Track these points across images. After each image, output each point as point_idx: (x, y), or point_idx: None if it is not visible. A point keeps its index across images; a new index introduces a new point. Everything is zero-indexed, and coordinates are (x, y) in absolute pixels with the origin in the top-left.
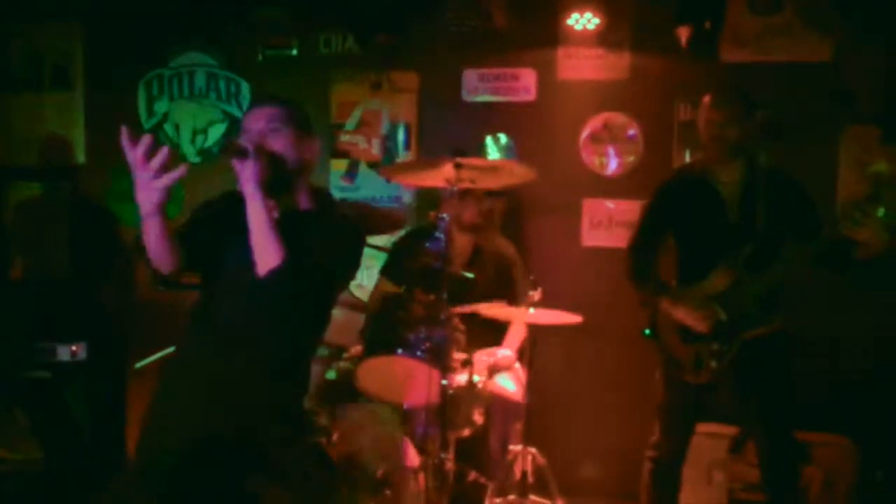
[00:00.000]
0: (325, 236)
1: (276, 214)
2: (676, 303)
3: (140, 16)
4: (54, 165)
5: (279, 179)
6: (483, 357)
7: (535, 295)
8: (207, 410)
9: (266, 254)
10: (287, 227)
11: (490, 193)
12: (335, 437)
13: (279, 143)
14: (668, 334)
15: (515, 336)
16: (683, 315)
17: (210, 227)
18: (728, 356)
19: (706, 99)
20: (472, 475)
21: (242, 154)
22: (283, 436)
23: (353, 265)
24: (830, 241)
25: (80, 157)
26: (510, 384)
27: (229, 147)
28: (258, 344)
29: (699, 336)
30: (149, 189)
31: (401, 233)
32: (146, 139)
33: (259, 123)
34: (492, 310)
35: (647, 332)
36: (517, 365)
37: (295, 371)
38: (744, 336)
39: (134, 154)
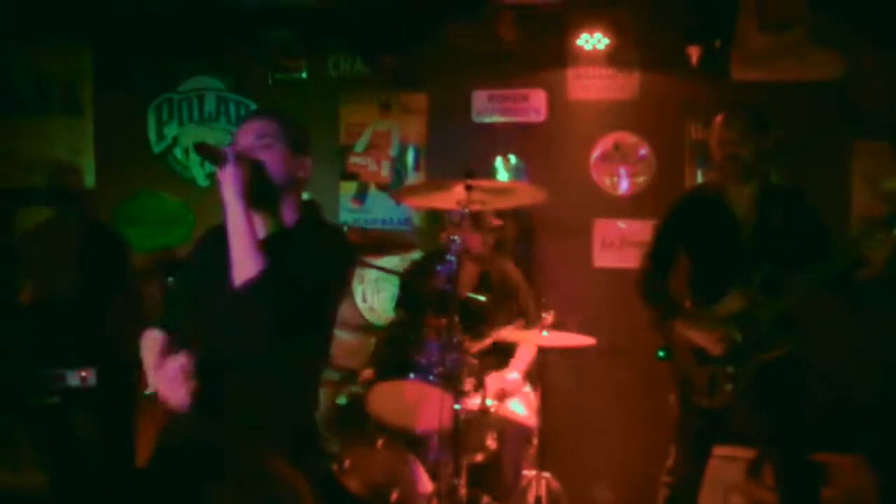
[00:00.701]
0: (309, 250)
1: (263, 227)
2: (691, 324)
3: (149, 39)
4: (62, 190)
5: (263, 191)
6: (491, 382)
7: (548, 318)
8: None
9: (243, 264)
10: (271, 241)
11: (500, 214)
12: (347, 463)
13: (267, 156)
14: (683, 356)
15: (522, 358)
16: (698, 337)
17: (189, 291)
18: (743, 379)
19: (719, 118)
20: (486, 500)
21: (219, 159)
22: (283, 457)
23: (340, 280)
24: (843, 265)
25: (90, 182)
26: (520, 408)
27: (203, 149)
28: (247, 363)
29: (714, 359)
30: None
31: (413, 256)
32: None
33: (249, 136)
34: (507, 335)
35: (661, 353)
36: (528, 388)
37: (296, 394)
38: (759, 359)
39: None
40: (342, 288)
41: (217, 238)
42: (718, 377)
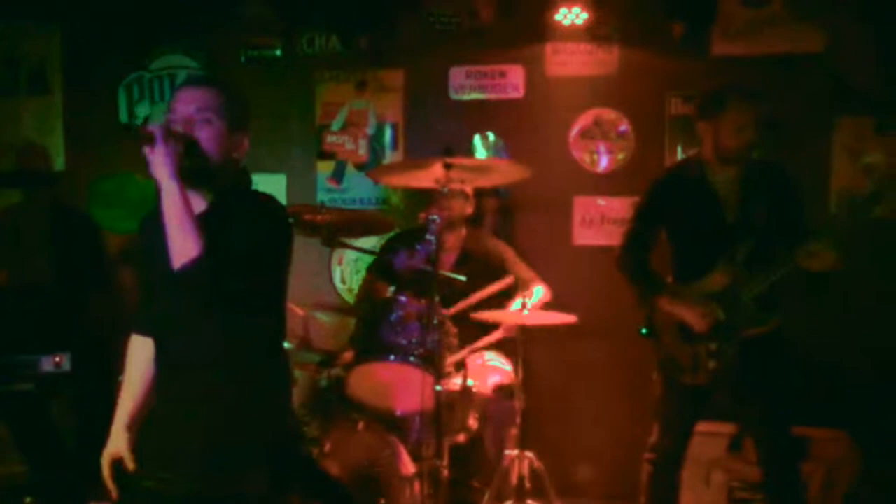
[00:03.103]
0: (242, 222)
1: (202, 204)
2: (675, 301)
3: (119, 17)
4: (32, 172)
5: (198, 169)
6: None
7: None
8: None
9: (179, 246)
10: (205, 218)
11: (480, 193)
12: (327, 447)
13: (204, 133)
14: (666, 333)
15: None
16: (682, 313)
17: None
18: (727, 356)
19: (731, 106)
20: (468, 481)
21: (146, 139)
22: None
23: (279, 250)
24: (780, 274)
25: (60, 164)
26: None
27: (139, 135)
28: (197, 347)
29: (697, 336)
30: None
31: (390, 234)
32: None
33: (188, 108)
34: (489, 315)
35: (645, 330)
36: (509, 369)
37: (252, 374)
38: (742, 336)
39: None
40: (281, 259)
41: (154, 221)
42: (702, 354)
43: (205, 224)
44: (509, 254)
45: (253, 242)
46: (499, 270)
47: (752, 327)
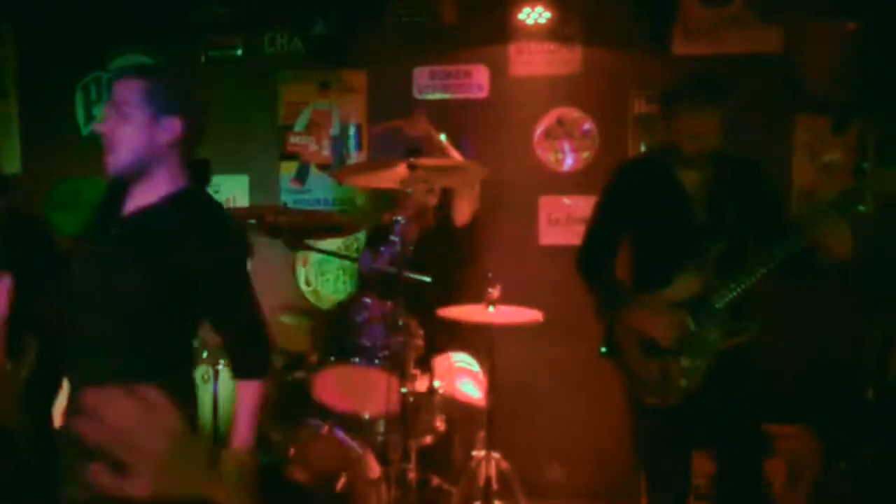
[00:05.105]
0: (180, 234)
1: (152, 197)
2: (636, 312)
3: (74, 17)
4: None
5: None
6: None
7: (494, 292)
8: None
9: None
10: (135, 220)
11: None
12: (291, 451)
13: (125, 130)
14: (629, 350)
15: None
16: (645, 326)
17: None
18: (699, 373)
19: (685, 108)
20: (436, 482)
21: None
22: None
23: (219, 272)
24: (788, 253)
25: (15, 167)
26: (472, 389)
27: None
28: (105, 360)
29: (665, 350)
30: None
31: (356, 236)
32: None
33: (109, 109)
34: (452, 312)
35: (604, 349)
36: (478, 369)
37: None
38: (717, 348)
39: None
40: (224, 280)
41: (88, 235)
42: (672, 371)
43: (142, 223)
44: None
45: (188, 261)
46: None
47: (728, 338)
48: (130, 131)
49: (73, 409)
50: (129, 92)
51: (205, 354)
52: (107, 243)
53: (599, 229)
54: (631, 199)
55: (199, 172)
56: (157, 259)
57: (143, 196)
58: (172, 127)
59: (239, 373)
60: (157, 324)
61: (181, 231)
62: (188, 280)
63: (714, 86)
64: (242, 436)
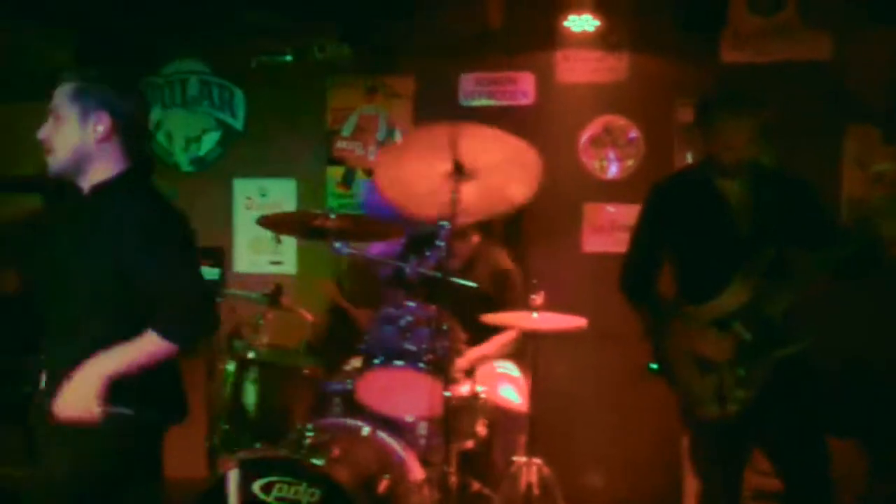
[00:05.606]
0: (112, 219)
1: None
2: (687, 328)
3: (131, 22)
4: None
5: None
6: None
7: (538, 298)
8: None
9: None
10: (77, 213)
11: None
12: (335, 452)
13: (57, 133)
14: (681, 365)
15: (495, 342)
16: (697, 342)
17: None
18: (757, 382)
19: (723, 119)
20: (477, 487)
21: None
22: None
23: (143, 261)
24: (859, 245)
25: None
26: (513, 395)
27: None
28: (70, 350)
29: (719, 364)
30: None
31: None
32: None
33: (51, 104)
34: (497, 319)
35: (654, 366)
36: (519, 374)
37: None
38: (774, 357)
39: None
40: (150, 254)
41: (55, 225)
42: (727, 382)
43: (80, 212)
44: (513, 277)
45: (115, 251)
46: (497, 286)
47: (784, 348)
48: (65, 131)
49: (48, 391)
50: (61, 95)
51: None
52: (55, 234)
53: (641, 248)
54: (671, 215)
55: (143, 166)
56: (93, 245)
57: (84, 188)
58: (102, 120)
59: (155, 327)
60: (106, 309)
61: (112, 216)
62: (123, 260)
63: (749, 95)
64: (112, 359)
